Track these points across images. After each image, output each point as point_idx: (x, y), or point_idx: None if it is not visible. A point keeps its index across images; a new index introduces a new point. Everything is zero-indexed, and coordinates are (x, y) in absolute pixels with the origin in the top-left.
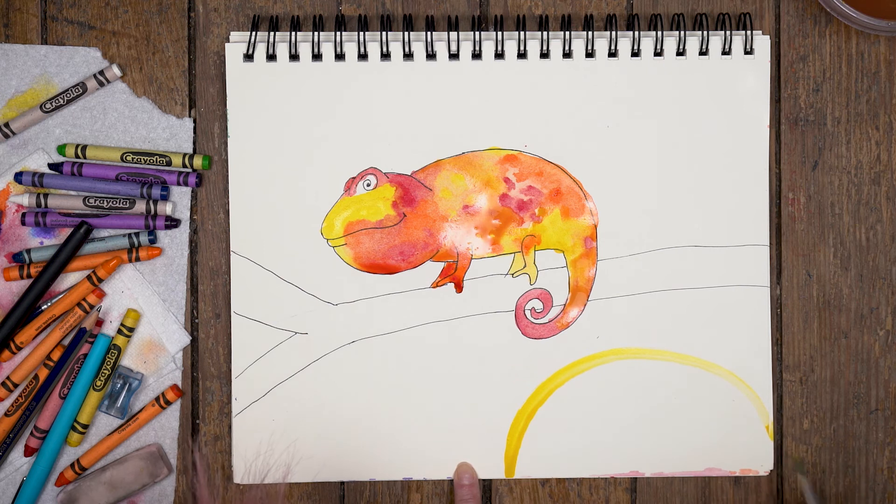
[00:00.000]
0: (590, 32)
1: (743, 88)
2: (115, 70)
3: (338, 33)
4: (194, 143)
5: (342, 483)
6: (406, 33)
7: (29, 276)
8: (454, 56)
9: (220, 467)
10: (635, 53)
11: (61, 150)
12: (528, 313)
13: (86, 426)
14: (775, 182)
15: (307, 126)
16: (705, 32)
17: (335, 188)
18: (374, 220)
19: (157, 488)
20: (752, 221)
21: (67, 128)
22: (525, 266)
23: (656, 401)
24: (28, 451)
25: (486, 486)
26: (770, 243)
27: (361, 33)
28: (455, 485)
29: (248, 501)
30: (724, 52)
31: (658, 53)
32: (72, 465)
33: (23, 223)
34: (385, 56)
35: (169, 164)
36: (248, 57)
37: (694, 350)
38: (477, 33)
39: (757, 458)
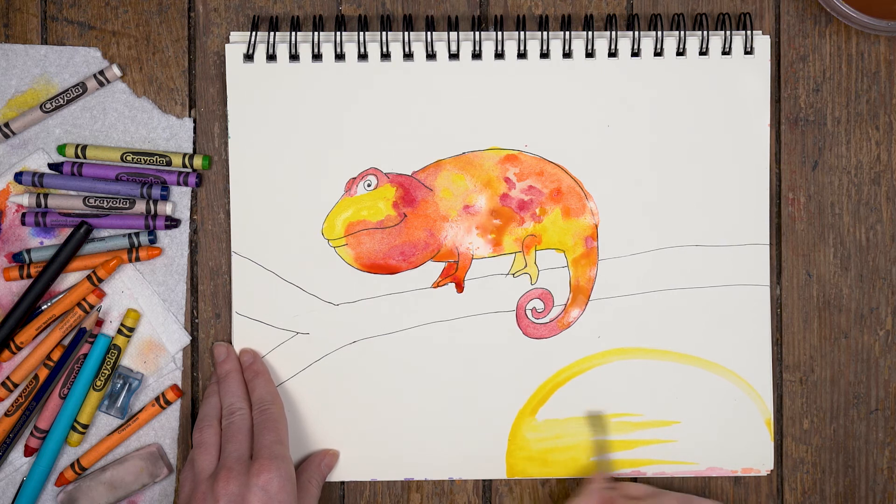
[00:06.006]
0: (590, 32)
1: (743, 88)
2: (115, 70)
3: (338, 33)
4: (194, 143)
5: (342, 483)
6: (406, 33)
7: (29, 276)
8: (454, 56)
9: None
10: (635, 53)
11: (61, 150)
12: (529, 313)
13: (86, 426)
14: (775, 182)
15: (307, 126)
16: (705, 32)
17: (336, 188)
18: (375, 220)
19: (157, 488)
20: (753, 221)
21: (67, 128)
22: (526, 266)
23: (657, 400)
24: (28, 451)
25: (486, 486)
26: (770, 243)
27: (361, 33)
28: (215, 363)
29: None
30: (725, 52)
31: (658, 53)
32: (72, 465)
33: (23, 223)
34: (385, 56)
35: (169, 164)
36: (248, 57)
37: (695, 349)
38: (477, 33)
39: (757, 457)
